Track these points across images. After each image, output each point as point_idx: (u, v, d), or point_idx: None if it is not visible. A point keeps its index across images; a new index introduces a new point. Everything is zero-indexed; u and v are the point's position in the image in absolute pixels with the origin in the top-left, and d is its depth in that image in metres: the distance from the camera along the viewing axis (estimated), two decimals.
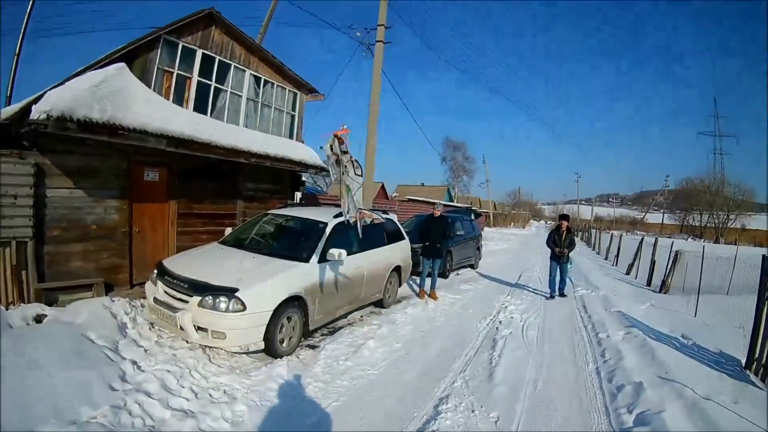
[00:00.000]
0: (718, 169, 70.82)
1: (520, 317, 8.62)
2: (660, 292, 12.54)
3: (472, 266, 15.24)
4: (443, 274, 12.26)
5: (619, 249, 21.98)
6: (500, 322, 8.18)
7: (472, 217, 17.75)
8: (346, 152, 6.26)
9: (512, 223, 63.09)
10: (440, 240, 9.89)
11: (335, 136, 6.17)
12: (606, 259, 24.24)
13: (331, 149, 6.12)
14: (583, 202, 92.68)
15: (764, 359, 5.72)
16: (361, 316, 7.74)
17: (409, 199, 34.50)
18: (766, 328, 5.76)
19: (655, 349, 6.59)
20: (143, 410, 4.01)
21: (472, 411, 4.69)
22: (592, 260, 22.82)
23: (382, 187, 50.96)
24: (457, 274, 13.71)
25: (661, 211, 71.71)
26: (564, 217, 11.36)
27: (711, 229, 63.44)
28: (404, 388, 5.14)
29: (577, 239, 43.96)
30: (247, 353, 5.59)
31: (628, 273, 17.41)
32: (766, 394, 5.26)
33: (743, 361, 6.11)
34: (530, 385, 5.49)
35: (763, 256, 6.01)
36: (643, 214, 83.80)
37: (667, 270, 12.92)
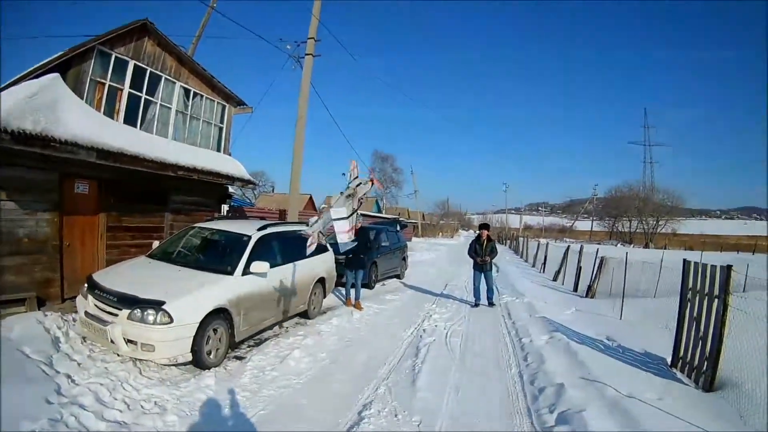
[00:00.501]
0: (648, 177, 76.31)
1: (444, 325, 9.13)
2: (586, 296, 13.03)
3: (398, 276, 15.84)
4: (368, 285, 12.85)
5: (546, 256, 22.86)
6: (424, 330, 8.62)
7: (398, 228, 18.31)
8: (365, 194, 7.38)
9: (441, 233, 64.65)
10: (362, 251, 10.36)
11: (371, 180, 7.67)
12: (533, 266, 25.08)
13: (355, 185, 7.28)
14: (513, 212, 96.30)
15: (689, 357, 6.12)
16: (287, 328, 8.14)
17: None
18: (689, 327, 6.17)
19: (577, 351, 7.08)
20: (79, 422, 4.23)
21: (395, 416, 4.99)
22: (520, 268, 23.61)
23: (311, 198, 52.54)
24: (383, 285, 14.19)
25: (590, 218, 75.52)
26: (484, 226, 11.94)
27: (640, 235, 67.29)
28: (329, 395, 5.42)
29: (503, 247, 45.07)
30: (176, 365, 5.75)
31: (555, 279, 18.04)
32: (690, 387, 5.74)
33: (669, 360, 6.57)
34: (453, 390, 5.80)
35: (684, 259, 6.58)
36: (572, 222, 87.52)
37: (593, 275, 13.48)
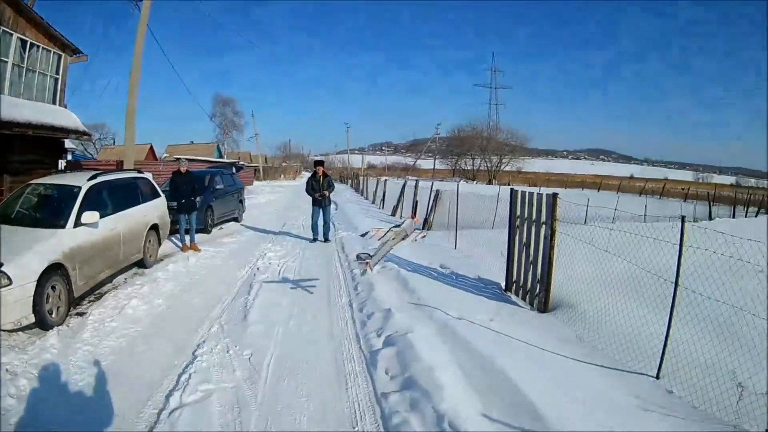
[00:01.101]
0: (493, 118, 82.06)
1: (279, 262, 9.78)
2: (423, 229, 13.24)
3: (236, 219, 16.19)
4: (205, 230, 13.14)
5: (384, 192, 23.50)
6: (258, 268, 9.20)
7: (234, 170, 18.43)
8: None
9: (283, 176, 64.45)
10: (191, 195, 10.74)
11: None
12: (373, 203, 25.90)
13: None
14: (356, 152, 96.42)
15: (522, 281, 6.63)
16: (126, 279, 8.24)
17: (177, 158, 33.61)
18: (520, 252, 6.69)
19: (408, 279, 7.66)
20: None
21: (227, 351, 5.30)
22: (361, 206, 24.16)
23: (151, 148, 50.64)
24: (221, 229, 14.51)
25: (434, 157, 79.46)
26: (319, 163, 12.60)
27: (484, 173, 70.57)
28: (165, 340, 5.66)
29: (344, 186, 45.82)
30: (22, 330, 5.60)
31: (393, 214, 18.62)
32: (526, 309, 6.25)
33: (503, 285, 7.12)
34: (283, 323, 6.22)
35: (511, 189, 7.16)
36: (415, 160, 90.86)
37: (429, 208, 14.28)
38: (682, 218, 4.62)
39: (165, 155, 45.15)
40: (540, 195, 6.37)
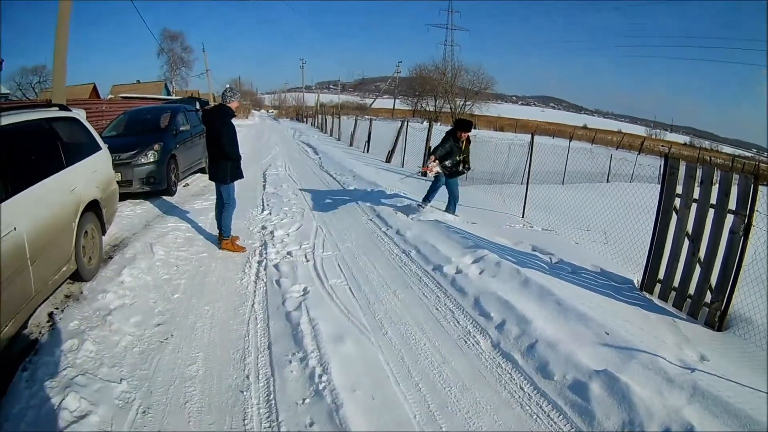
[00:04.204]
0: (449, 60, 77.16)
1: (300, 250, 6.39)
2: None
3: (203, 170, 12.37)
4: (167, 191, 9.46)
5: (369, 135, 21.24)
6: (273, 266, 5.84)
7: (197, 106, 14.62)
8: None
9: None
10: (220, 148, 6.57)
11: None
12: (351, 145, 23.61)
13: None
14: (304, 90, 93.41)
15: (676, 282, 4.93)
16: (50, 314, 4.41)
17: (124, 98, 29.55)
18: (676, 245, 4.94)
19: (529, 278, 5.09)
20: None
21: None
22: (341, 149, 21.63)
23: (94, 87, 47.83)
24: (186, 186, 11.08)
25: (393, 97, 75.60)
26: (464, 124, 8.15)
27: (446, 114, 67.50)
28: None
29: (305, 125, 43.70)
30: None
31: (388, 161, 16.84)
32: (687, 323, 4.52)
33: (635, 281, 5.32)
34: None
35: (665, 155, 5.34)
36: (373, 99, 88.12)
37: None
38: None
39: (110, 96, 42.59)
40: (726, 173, 4.61)
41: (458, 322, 4.49)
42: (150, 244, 6.20)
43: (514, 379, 3.60)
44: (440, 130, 9.69)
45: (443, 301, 4.97)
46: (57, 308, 4.53)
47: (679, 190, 4.94)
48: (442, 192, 8.10)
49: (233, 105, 6.33)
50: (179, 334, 4.25)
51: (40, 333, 4.12)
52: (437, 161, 7.69)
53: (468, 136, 8.02)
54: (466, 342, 4.15)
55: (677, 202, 4.95)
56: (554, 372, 3.58)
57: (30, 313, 4.11)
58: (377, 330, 4.34)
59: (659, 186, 5.12)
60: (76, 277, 4.99)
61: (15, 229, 3.63)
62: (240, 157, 6.39)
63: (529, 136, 10.00)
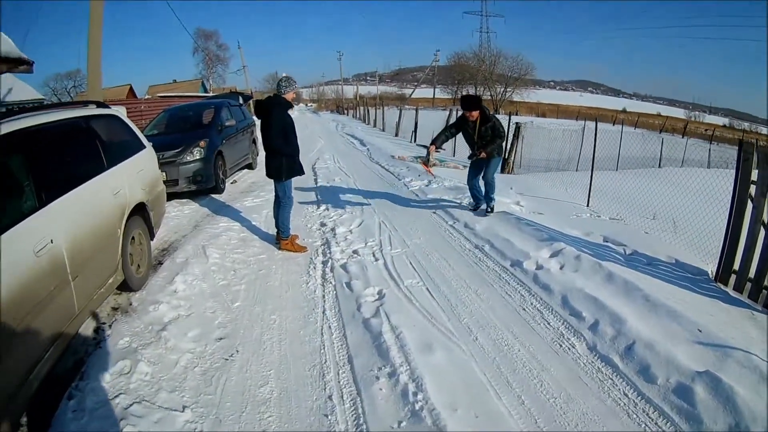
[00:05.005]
0: (485, 47, 77.34)
1: (369, 253, 5.68)
2: (502, 172, 10.96)
3: (249, 166, 12.17)
4: (215, 189, 9.20)
5: (416, 125, 20.42)
6: (342, 268, 5.16)
7: (241, 101, 14.24)
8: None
9: None
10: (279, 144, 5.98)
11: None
12: (396, 136, 22.69)
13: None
14: (341, 82, 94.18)
15: (755, 274, 4.44)
16: (96, 330, 3.95)
17: (162, 97, 29.67)
18: (752, 235, 4.51)
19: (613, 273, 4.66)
20: None
21: None
22: (384, 138, 21.07)
23: (131, 89, 47.22)
24: (233, 183, 10.61)
25: (432, 86, 74.95)
26: (471, 101, 6.78)
27: (488, 102, 67.73)
28: None
29: (347, 117, 43.41)
30: None
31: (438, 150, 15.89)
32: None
33: (709, 271, 4.87)
34: None
35: (740, 140, 4.95)
36: (412, 89, 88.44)
37: (507, 147, 11.22)
38: None
39: (146, 96, 42.84)
40: None
41: (549, 324, 4.04)
42: (202, 246, 5.72)
43: (616, 385, 3.25)
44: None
45: (529, 300, 4.47)
46: (104, 323, 4.06)
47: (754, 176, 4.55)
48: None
49: (289, 96, 5.75)
50: (245, 349, 3.78)
51: (85, 352, 3.66)
52: (438, 150, 6.95)
53: (479, 115, 6.65)
54: (561, 345, 3.72)
55: (752, 189, 4.59)
56: (656, 375, 3.23)
57: (74, 333, 3.62)
58: (466, 336, 3.86)
59: (719, 171, 4.98)
60: (124, 286, 4.52)
61: (51, 242, 3.14)
62: (296, 152, 5.81)
63: (573, 121, 9.65)
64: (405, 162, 9.00)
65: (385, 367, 3.40)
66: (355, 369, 3.44)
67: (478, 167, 6.86)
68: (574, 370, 3.41)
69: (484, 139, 6.64)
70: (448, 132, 7.04)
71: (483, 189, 6.93)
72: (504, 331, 3.90)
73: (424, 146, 7.15)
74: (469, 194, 7.37)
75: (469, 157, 6.94)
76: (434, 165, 7.01)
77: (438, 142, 6.87)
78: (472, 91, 69.33)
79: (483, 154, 6.61)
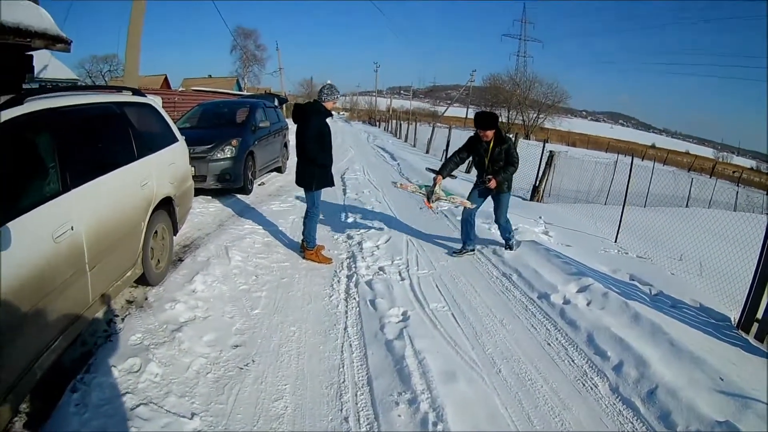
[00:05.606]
0: (521, 71, 76.42)
1: (398, 272, 5.45)
2: (531, 199, 11.03)
3: (279, 170, 12.09)
4: (244, 188, 9.11)
5: (448, 144, 19.61)
6: (366, 287, 5.02)
7: (276, 103, 14.21)
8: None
9: None
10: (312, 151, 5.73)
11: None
12: (428, 153, 22.63)
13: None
14: (374, 94, 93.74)
15: None
16: (108, 322, 3.83)
17: (196, 90, 29.72)
18: None
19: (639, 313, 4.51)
20: None
21: None
22: (414, 154, 21.12)
23: (165, 79, 47.97)
24: (261, 184, 10.51)
25: (465, 106, 75.22)
26: (485, 120, 5.90)
27: (518, 126, 66.31)
28: None
29: (379, 129, 43.74)
30: None
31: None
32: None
33: (732, 319, 4.74)
34: None
35: None
36: (446, 108, 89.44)
37: (539, 175, 11.14)
38: None
39: (181, 89, 43.04)
40: None
41: (573, 361, 3.91)
42: (225, 247, 5.61)
43: (636, 430, 3.15)
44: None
45: (554, 335, 4.31)
46: (117, 315, 3.95)
47: None
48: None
49: (329, 105, 5.58)
50: (262, 360, 3.62)
51: (94, 344, 3.55)
52: (442, 178, 6.06)
53: (494, 135, 5.85)
54: (583, 385, 3.60)
55: None
56: (677, 422, 3.14)
57: (86, 324, 3.48)
58: (489, 367, 3.70)
59: (746, 215, 4.85)
60: (141, 280, 4.40)
61: (72, 228, 3.02)
62: (329, 162, 5.65)
63: (603, 153, 9.46)
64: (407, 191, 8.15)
65: (406, 392, 3.25)
66: (374, 392, 3.30)
67: (480, 198, 6.18)
68: (596, 410, 3.31)
69: (497, 163, 5.90)
70: (457, 158, 6.21)
71: (478, 226, 6.54)
72: (528, 365, 3.77)
73: (433, 170, 6.48)
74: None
75: (476, 184, 6.23)
76: (438, 198, 6.10)
77: (445, 171, 6.12)
78: (505, 114, 68.75)
79: (492, 183, 5.80)
